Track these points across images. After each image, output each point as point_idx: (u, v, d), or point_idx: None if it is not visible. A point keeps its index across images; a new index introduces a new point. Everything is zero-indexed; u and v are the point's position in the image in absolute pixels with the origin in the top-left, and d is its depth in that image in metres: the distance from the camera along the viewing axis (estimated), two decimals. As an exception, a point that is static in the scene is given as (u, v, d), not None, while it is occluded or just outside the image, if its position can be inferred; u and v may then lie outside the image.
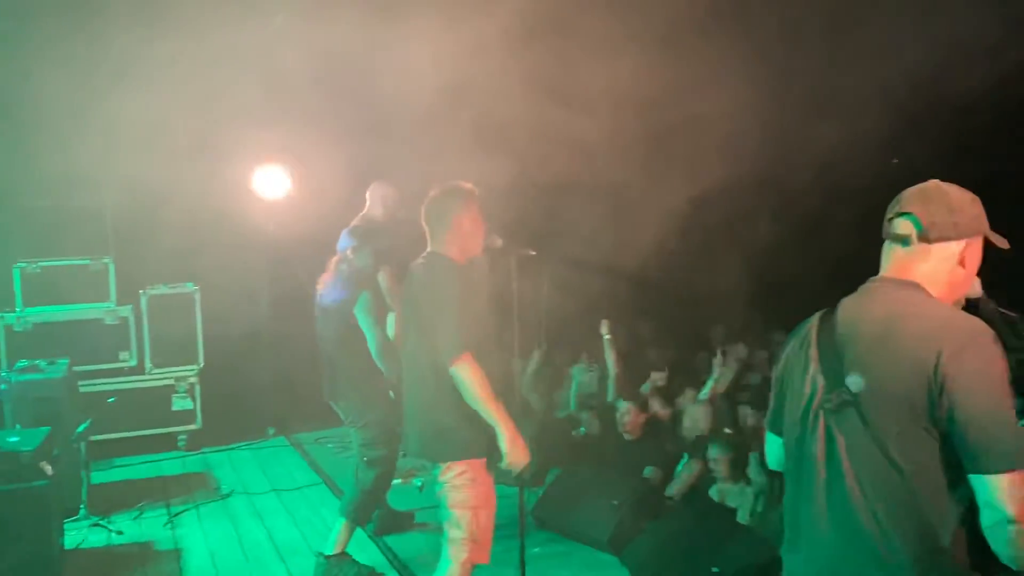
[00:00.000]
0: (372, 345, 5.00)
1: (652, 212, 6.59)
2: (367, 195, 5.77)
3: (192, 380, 7.83)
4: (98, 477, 6.72)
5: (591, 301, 7.06)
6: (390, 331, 4.87)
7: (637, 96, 5.68)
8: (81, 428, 5.93)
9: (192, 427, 7.83)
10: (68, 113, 6.26)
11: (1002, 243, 2.20)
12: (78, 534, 5.68)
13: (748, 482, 5.21)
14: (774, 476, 4.52)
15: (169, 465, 7.43)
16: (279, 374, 8.18)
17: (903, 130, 6.81)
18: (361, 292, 5.01)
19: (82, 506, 5.93)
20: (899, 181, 2.29)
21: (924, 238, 2.14)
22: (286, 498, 6.54)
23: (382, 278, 5.27)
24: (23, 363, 6.38)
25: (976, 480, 1.96)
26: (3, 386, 6.03)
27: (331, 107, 6.77)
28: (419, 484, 6.19)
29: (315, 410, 6.48)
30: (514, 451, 3.53)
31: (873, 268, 2.24)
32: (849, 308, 2.22)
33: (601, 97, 5.90)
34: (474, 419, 3.54)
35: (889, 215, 2.22)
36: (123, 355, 7.63)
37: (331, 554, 4.83)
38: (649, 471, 5.90)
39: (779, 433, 2.35)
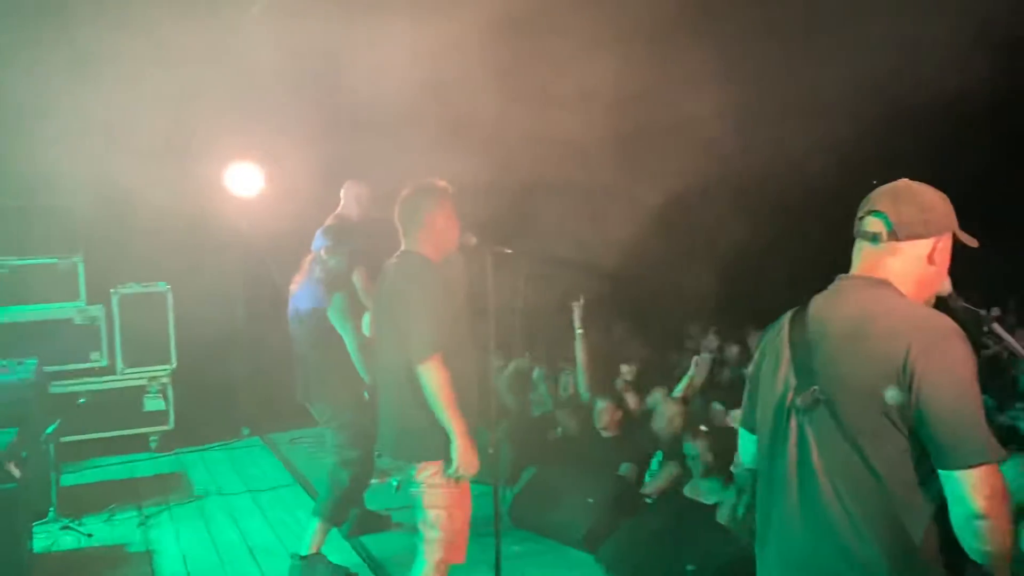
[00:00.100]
0: (350, 346, 4.97)
1: (625, 211, 6.61)
2: (341, 194, 5.75)
3: (164, 380, 7.75)
4: (69, 479, 6.65)
5: (567, 299, 7.07)
6: (366, 330, 4.84)
7: (611, 94, 5.70)
8: (50, 429, 5.85)
9: (164, 428, 7.76)
10: (36, 111, 6.17)
11: (971, 241, 2.22)
12: (48, 537, 5.61)
13: (728, 479, 5.21)
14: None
15: (141, 466, 7.36)
16: (253, 374, 8.12)
17: (874, 131, 6.88)
18: (335, 294, 4.98)
19: (52, 508, 5.85)
20: (871, 180, 2.31)
21: (894, 236, 2.16)
22: (260, 499, 6.49)
23: (357, 278, 5.25)
24: (-9, 364, 6.29)
25: (945, 476, 1.98)
26: (-30, 387, 5.93)
27: (304, 105, 6.72)
28: (395, 484, 6.17)
29: (290, 410, 6.44)
30: (464, 459, 3.52)
31: (845, 266, 2.26)
32: (820, 306, 2.23)
33: (575, 95, 5.91)
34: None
35: (860, 213, 2.24)
36: (94, 355, 7.54)
37: (305, 555, 4.80)
38: (625, 468, 5.92)
39: (753, 431, 2.37)
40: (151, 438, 7.72)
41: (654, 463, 5.84)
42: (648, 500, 5.54)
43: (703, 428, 5.74)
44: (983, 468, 1.94)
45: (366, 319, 4.85)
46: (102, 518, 6.02)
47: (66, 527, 5.77)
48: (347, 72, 5.85)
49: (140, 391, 7.68)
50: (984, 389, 2.04)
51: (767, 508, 2.27)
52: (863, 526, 2.04)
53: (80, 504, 6.16)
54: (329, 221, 5.48)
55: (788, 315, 2.29)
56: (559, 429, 6.92)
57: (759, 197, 7.69)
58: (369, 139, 6.44)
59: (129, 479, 7.00)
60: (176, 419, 7.78)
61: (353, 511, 5.40)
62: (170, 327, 7.75)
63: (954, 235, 2.21)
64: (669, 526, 4.88)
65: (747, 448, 2.43)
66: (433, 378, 3.47)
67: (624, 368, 6.96)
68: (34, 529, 5.25)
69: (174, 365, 7.77)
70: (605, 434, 6.20)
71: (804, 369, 2.15)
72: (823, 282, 2.27)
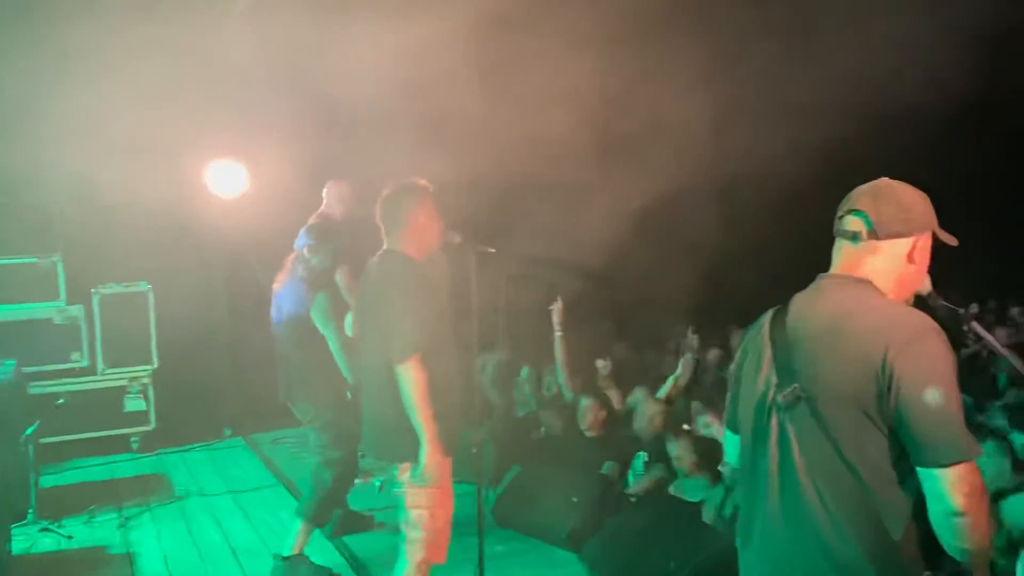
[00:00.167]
0: (333, 346, 4.95)
1: (608, 210, 6.62)
2: (324, 193, 5.73)
3: (145, 381, 7.69)
4: (49, 480, 6.59)
5: (550, 298, 7.07)
6: (348, 330, 4.83)
7: (594, 95, 5.71)
8: (29, 431, 5.79)
9: (145, 428, 7.70)
10: (14, 109, 6.12)
11: (951, 240, 2.23)
12: (27, 539, 5.55)
13: (714, 477, 5.22)
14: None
15: (122, 467, 7.30)
16: (235, 373, 8.07)
17: (852, 132, 6.92)
18: (318, 293, 4.96)
19: (31, 510, 5.79)
20: (849, 182, 2.32)
21: (874, 235, 2.17)
22: (242, 500, 6.45)
23: (340, 277, 5.23)
24: (-32, 365, 6.23)
25: (924, 473, 1.99)
26: (-53, 388, 5.88)
27: (287, 104, 6.69)
28: (378, 484, 6.15)
29: (272, 410, 6.40)
30: (430, 463, 3.51)
31: (826, 265, 2.27)
32: (801, 305, 2.24)
33: (557, 95, 5.92)
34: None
35: (840, 212, 2.25)
36: (74, 355, 7.48)
37: (288, 556, 4.78)
38: (608, 467, 5.92)
39: (736, 431, 2.37)
40: (132, 439, 7.66)
41: (637, 462, 5.85)
42: (633, 500, 5.55)
43: (686, 428, 5.76)
44: (961, 466, 1.96)
45: (348, 319, 4.85)
46: (82, 520, 5.96)
47: (45, 529, 5.71)
48: (329, 71, 5.83)
49: (121, 392, 7.62)
50: (963, 387, 2.05)
51: (750, 507, 2.27)
52: (843, 524, 2.05)
53: (60, 506, 6.10)
54: (312, 220, 5.45)
55: (769, 314, 2.30)
56: (542, 429, 6.92)
57: (742, 197, 7.72)
58: (352, 138, 6.44)
59: (110, 480, 6.94)
60: (157, 420, 7.72)
61: (336, 511, 5.38)
62: (151, 327, 7.69)
63: (934, 234, 2.22)
64: (653, 524, 4.88)
65: (732, 448, 2.44)
66: (410, 379, 3.46)
67: (600, 363, 6.96)
68: (13, 531, 5.19)
69: (155, 365, 7.72)
70: (588, 434, 6.20)
71: (785, 367, 2.16)
72: (805, 281, 2.28)
